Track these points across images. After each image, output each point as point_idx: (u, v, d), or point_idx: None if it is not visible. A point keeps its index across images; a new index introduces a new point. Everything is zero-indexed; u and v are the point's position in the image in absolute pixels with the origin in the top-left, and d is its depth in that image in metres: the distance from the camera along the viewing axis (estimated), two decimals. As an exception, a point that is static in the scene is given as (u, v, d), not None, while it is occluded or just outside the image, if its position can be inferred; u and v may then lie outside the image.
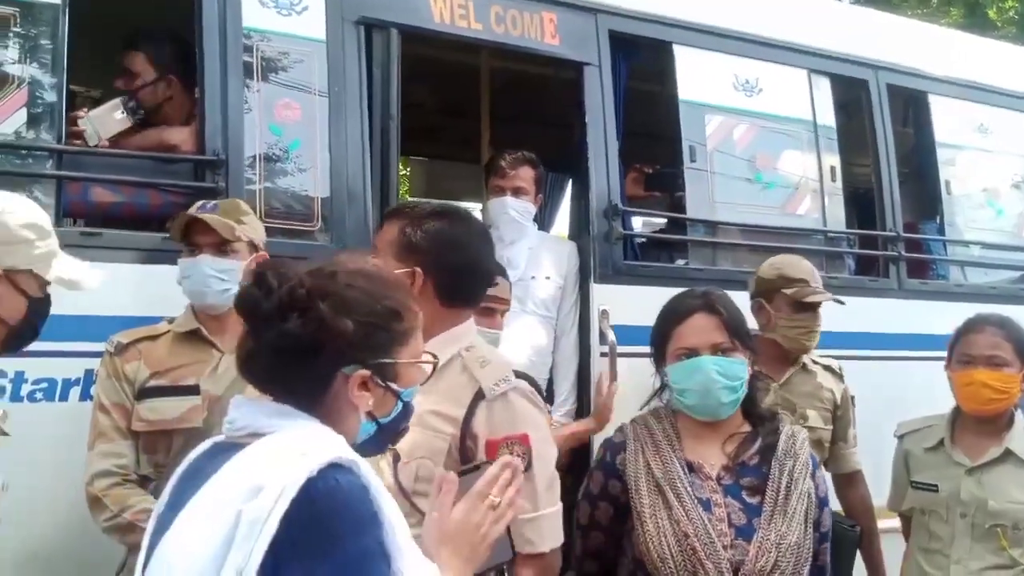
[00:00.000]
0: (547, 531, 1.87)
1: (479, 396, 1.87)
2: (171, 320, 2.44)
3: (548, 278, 3.46)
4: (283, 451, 1.22)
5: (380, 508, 1.24)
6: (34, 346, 2.46)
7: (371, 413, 1.36)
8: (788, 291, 2.94)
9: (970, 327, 2.70)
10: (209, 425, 2.27)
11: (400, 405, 1.40)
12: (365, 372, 1.33)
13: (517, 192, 3.45)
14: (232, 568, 1.14)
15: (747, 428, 2.15)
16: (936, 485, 2.66)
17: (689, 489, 2.04)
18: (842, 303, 3.09)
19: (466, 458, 1.82)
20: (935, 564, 2.64)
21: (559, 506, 1.91)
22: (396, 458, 1.81)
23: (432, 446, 1.83)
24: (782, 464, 2.07)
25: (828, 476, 2.98)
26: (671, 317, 2.19)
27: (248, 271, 1.34)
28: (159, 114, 3.00)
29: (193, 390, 2.32)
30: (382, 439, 1.42)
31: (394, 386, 1.37)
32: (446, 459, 1.82)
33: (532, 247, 3.49)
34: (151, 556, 1.29)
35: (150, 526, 1.37)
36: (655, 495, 2.06)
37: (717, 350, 2.09)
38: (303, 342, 1.29)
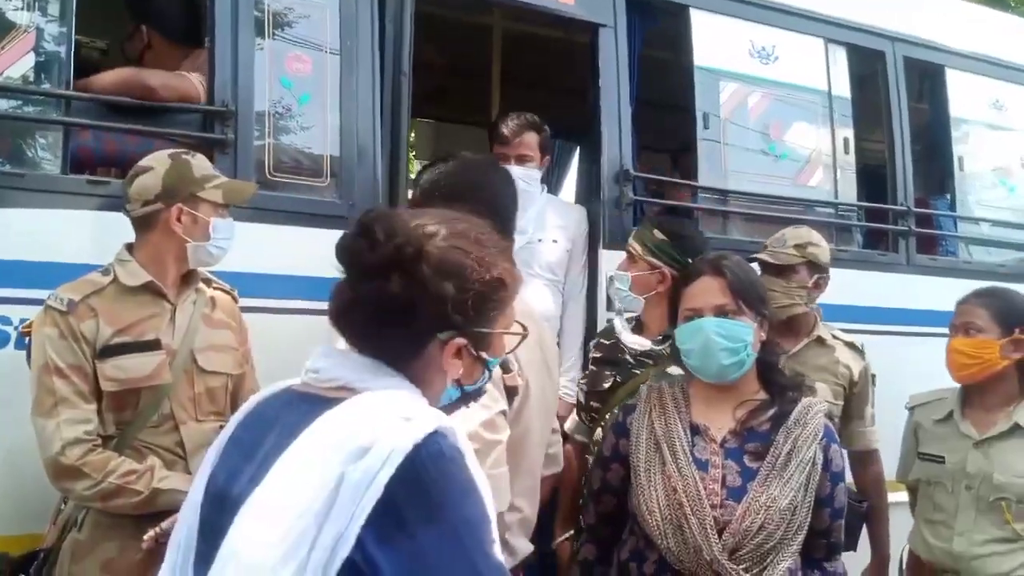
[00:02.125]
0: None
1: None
2: (105, 271, 2.29)
3: (555, 241, 3.42)
4: (386, 413, 1.18)
5: (475, 476, 1.21)
6: (39, 295, 2.47)
7: (458, 380, 1.33)
8: None
9: (959, 300, 2.74)
10: (172, 380, 2.24)
11: (486, 374, 1.37)
12: (462, 341, 1.29)
13: (522, 160, 3.38)
14: (331, 531, 1.10)
15: (764, 396, 2.15)
16: (943, 456, 2.67)
17: (687, 448, 2.07)
18: (756, 260, 2.98)
19: None
20: (939, 535, 2.65)
21: (504, 469, 1.92)
22: None
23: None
24: (789, 431, 2.07)
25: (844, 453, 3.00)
26: (681, 280, 2.21)
27: (356, 220, 1.29)
28: (143, 64, 2.98)
29: (155, 345, 2.24)
30: (460, 404, 1.39)
31: (485, 355, 1.33)
32: None
33: (539, 210, 3.45)
34: (217, 502, 1.25)
35: (207, 469, 1.32)
36: (653, 451, 2.11)
37: (720, 312, 2.09)
38: (402, 303, 1.23)
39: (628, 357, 2.71)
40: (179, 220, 2.28)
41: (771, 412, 2.10)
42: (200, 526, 1.29)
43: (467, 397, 1.38)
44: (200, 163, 2.36)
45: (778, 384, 2.16)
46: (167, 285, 2.31)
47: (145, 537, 2.05)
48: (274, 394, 1.36)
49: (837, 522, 2.15)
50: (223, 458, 1.32)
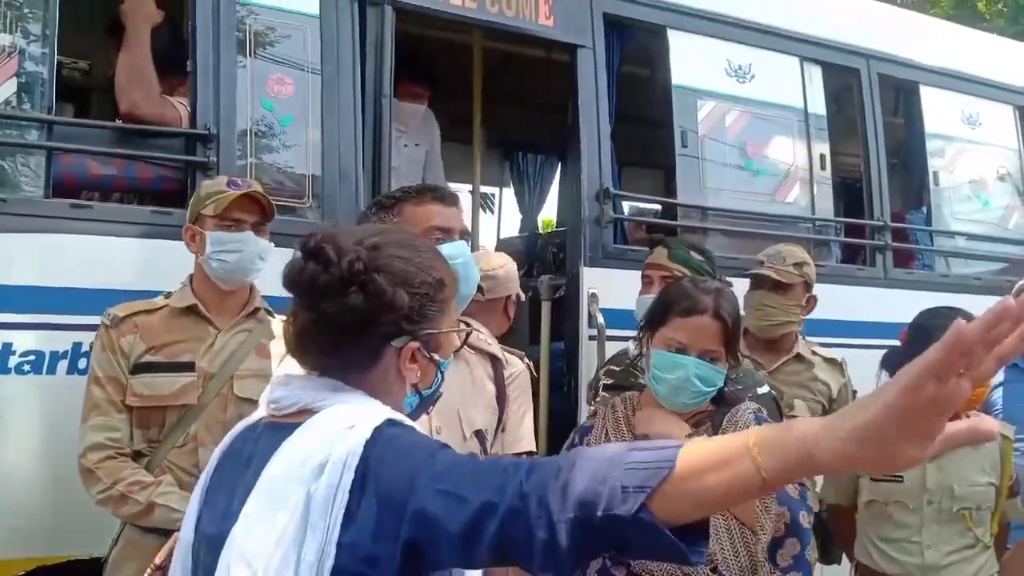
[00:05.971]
0: None
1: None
2: (168, 295, 2.39)
3: (417, 145, 3.91)
4: (336, 426, 1.23)
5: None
6: (21, 319, 2.50)
7: (415, 385, 1.38)
8: None
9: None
10: (203, 403, 2.28)
11: (439, 376, 1.42)
12: (415, 344, 1.34)
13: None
14: (312, 548, 1.14)
15: (710, 408, 2.17)
16: (900, 476, 2.66)
17: None
18: (729, 284, 2.99)
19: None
20: (905, 551, 2.66)
21: None
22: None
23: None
24: (723, 430, 2.09)
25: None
26: (678, 305, 2.12)
27: (300, 243, 1.34)
28: None
29: (188, 367, 2.29)
30: (420, 411, 1.43)
31: (437, 356, 1.38)
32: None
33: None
34: (207, 543, 1.28)
35: (194, 508, 1.36)
36: None
37: (706, 355, 2.08)
38: (362, 315, 1.28)
39: (643, 380, 2.73)
40: (193, 240, 2.37)
41: (714, 421, 2.14)
42: (194, 568, 1.32)
43: (426, 402, 1.43)
44: (212, 183, 2.43)
45: (724, 399, 2.17)
46: (214, 310, 2.37)
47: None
48: (249, 427, 1.39)
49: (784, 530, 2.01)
50: (209, 497, 1.35)
